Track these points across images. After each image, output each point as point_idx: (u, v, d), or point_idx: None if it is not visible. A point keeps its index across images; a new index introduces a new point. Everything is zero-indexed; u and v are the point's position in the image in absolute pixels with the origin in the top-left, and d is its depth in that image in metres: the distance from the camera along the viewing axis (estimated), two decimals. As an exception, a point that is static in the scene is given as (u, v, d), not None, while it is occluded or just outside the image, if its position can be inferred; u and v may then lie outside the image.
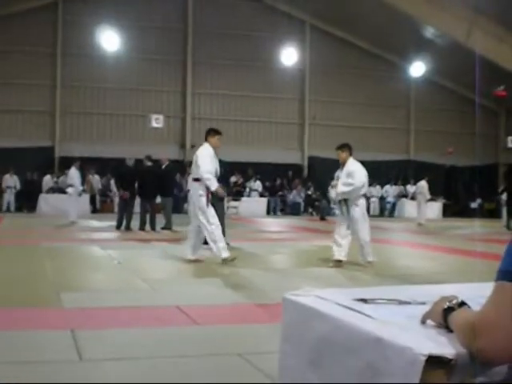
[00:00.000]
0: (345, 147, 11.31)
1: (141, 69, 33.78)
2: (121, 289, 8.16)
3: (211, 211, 10.55)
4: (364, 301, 2.14)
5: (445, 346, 1.62)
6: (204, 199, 10.52)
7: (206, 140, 11.14)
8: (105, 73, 32.88)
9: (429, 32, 33.40)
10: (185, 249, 11.20)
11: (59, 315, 6.44)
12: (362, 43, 36.88)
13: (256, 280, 9.22)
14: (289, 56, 33.66)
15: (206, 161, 10.70)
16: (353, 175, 10.88)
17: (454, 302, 1.77)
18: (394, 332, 1.74)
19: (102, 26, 31.38)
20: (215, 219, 10.54)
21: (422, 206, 26.03)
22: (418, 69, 34.81)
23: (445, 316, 1.76)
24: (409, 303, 2.15)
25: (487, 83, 33.79)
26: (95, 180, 30.87)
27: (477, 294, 1.98)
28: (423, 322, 1.87)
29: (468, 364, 1.59)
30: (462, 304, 1.76)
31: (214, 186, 10.64)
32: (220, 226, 10.66)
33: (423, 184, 25.95)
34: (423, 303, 2.11)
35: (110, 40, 31.83)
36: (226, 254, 10.44)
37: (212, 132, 11.34)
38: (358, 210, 10.78)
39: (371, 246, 10.91)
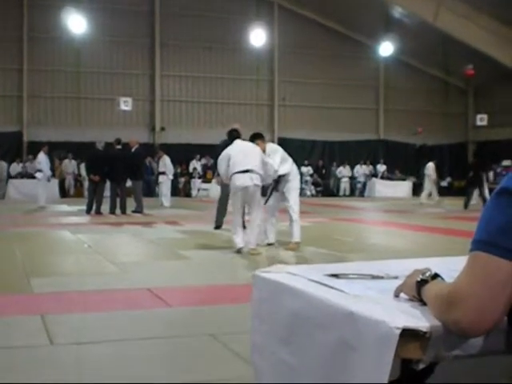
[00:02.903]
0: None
1: (109, 52, 33.43)
2: (91, 272, 8.07)
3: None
4: (336, 276, 2.10)
5: (419, 319, 1.59)
6: None
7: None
8: (72, 56, 32.49)
9: (397, 12, 33.45)
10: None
11: (29, 300, 6.36)
12: (330, 23, 36.79)
13: (228, 261, 9.20)
14: (257, 37, 33.45)
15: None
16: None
17: (428, 274, 1.73)
18: (367, 306, 1.70)
19: (69, 9, 30.88)
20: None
21: (427, 187, 26.31)
22: (386, 49, 34.79)
23: (418, 289, 1.72)
24: (381, 278, 2.11)
25: (455, 62, 34.00)
26: (71, 165, 30.67)
27: (448, 267, 1.96)
28: (396, 295, 1.83)
29: (443, 337, 1.56)
30: (436, 276, 1.72)
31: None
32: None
33: (431, 165, 26.23)
34: (396, 277, 2.08)
35: (77, 23, 31.33)
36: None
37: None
38: None
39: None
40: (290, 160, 10.83)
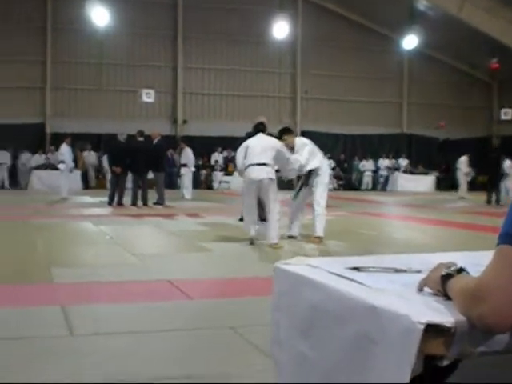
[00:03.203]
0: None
1: (131, 44, 33.50)
2: (112, 264, 8.08)
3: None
4: (357, 269, 2.05)
5: (443, 314, 1.53)
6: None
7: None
8: (95, 48, 32.61)
9: (421, 4, 33.20)
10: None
11: (50, 291, 6.37)
12: (354, 16, 36.62)
13: (248, 254, 9.17)
14: (281, 29, 33.36)
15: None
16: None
17: (453, 268, 1.67)
18: (390, 300, 1.65)
19: (93, 1, 30.96)
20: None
21: (461, 181, 26.06)
22: (410, 42, 34.51)
23: (443, 283, 1.66)
24: (404, 271, 2.06)
25: (480, 56, 33.70)
26: (91, 156, 30.79)
27: (472, 261, 1.90)
28: (420, 289, 1.77)
29: (468, 332, 1.50)
30: (461, 270, 1.67)
31: None
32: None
33: (463, 160, 25.98)
34: (419, 271, 2.03)
35: (100, 15, 31.39)
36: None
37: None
38: None
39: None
40: (319, 154, 10.76)
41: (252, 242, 9.91)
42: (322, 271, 2.04)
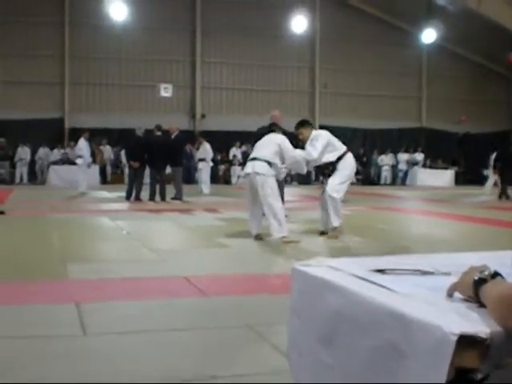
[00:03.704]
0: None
1: (150, 38, 33.43)
2: (128, 259, 8.00)
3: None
4: (382, 271, 1.93)
5: (477, 324, 1.41)
6: None
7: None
8: (113, 43, 32.64)
9: (440, -2, 32.93)
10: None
11: (64, 287, 6.28)
12: (372, 10, 36.41)
13: (266, 250, 9.06)
14: (299, 24, 33.29)
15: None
16: None
17: (487, 272, 1.54)
18: (419, 307, 1.52)
19: (110, -5, 31.04)
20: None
21: (490, 177, 25.49)
22: (429, 36, 34.27)
23: (476, 289, 1.53)
24: (431, 273, 1.93)
25: (499, 49, 33.35)
26: (106, 151, 30.78)
27: (502, 262, 1.78)
28: (449, 295, 1.64)
29: (504, 344, 1.37)
30: (496, 275, 1.54)
31: None
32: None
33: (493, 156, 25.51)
34: (447, 273, 1.90)
35: (118, 9, 31.44)
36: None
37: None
38: None
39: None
40: (340, 149, 10.41)
41: (258, 237, 9.79)
42: (345, 274, 1.92)
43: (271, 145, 9.79)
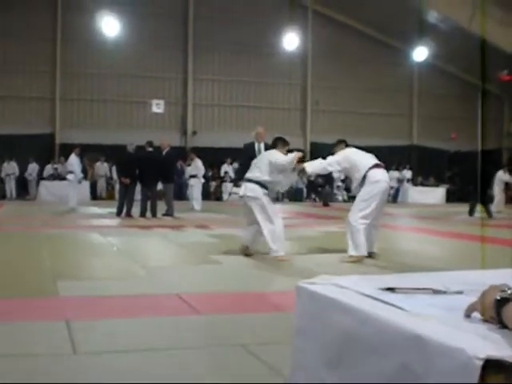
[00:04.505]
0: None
1: (142, 55, 33.44)
2: (119, 277, 7.88)
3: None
4: (391, 290, 1.83)
5: (502, 347, 1.30)
6: None
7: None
8: (105, 59, 32.59)
9: (432, 16, 33.08)
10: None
11: (54, 305, 6.15)
12: (364, 28, 36.54)
13: (259, 267, 8.95)
14: (291, 41, 33.38)
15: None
16: None
17: (509, 291, 1.44)
18: (437, 329, 1.41)
19: (102, 12, 31.01)
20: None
21: (498, 194, 25.22)
22: (420, 54, 34.44)
23: (497, 309, 1.43)
24: (444, 292, 1.83)
25: (491, 68, 33.42)
26: (103, 167, 30.70)
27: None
28: (467, 315, 1.55)
29: (532, 368, 1.28)
30: (519, 294, 1.44)
31: None
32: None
33: (501, 174, 25.26)
34: (460, 292, 1.81)
35: (110, 26, 31.48)
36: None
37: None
38: None
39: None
40: (361, 166, 9.84)
41: (247, 251, 9.82)
42: (352, 292, 1.81)
43: (263, 164, 9.73)
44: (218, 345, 4.71)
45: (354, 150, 10.55)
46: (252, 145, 12.63)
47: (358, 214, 9.44)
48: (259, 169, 9.69)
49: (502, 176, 25.06)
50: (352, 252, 9.35)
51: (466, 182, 23.09)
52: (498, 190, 24.89)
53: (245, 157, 12.43)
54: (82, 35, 32.09)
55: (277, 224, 9.55)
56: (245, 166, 12.18)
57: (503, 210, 24.14)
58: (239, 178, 13.35)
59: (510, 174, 25.40)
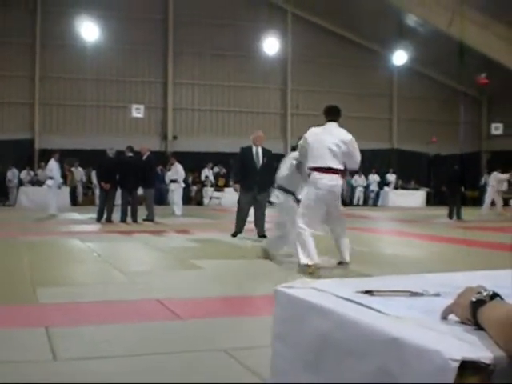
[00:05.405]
0: None
1: (121, 59, 33.36)
2: (99, 282, 7.85)
3: None
4: (369, 293, 1.83)
5: (479, 348, 1.30)
6: None
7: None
8: (85, 64, 32.45)
9: (411, 20, 33.22)
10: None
11: (34, 312, 6.12)
12: (343, 32, 36.65)
13: (239, 271, 8.94)
14: (271, 45, 33.40)
15: None
16: None
17: (485, 293, 1.44)
18: (414, 331, 1.42)
19: (82, 17, 30.90)
20: None
21: (496, 197, 25.14)
22: (400, 57, 34.58)
23: (473, 311, 1.44)
24: (421, 295, 1.84)
25: (469, 71, 33.63)
26: (79, 172, 30.53)
27: (495, 283, 1.68)
28: (444, 317, 1.55)
29: (508, 370, 1.28)
30: (495, 296, 1.44)
31: None
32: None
33: (494, 175, 25.18)
34: (437, 294, 1.82)
35: (89, 30, 31.38)
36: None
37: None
38: None
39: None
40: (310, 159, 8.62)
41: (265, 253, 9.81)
42: (330, 295, 1.81)
43: (283, 167, 9.76)
44: (199, 350, 4.71)
45: (328, 128, 8.75)
46: (249, 148, 12.71)
47: (301, 220, 8.44)
48: (280, 173, 9.75)
49: (499, 176, 25.06)
50: (304, 260, 8.27)
51: (444, 184, 23.14)
52: (491, 192, 24.93)
53: (241, 160, 12.52)
54: (61, 40, 31.96)
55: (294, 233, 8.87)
56: (242, 169, 12.31)
57: (503, 213, 24.12)
58: (236, 181, 13.42)
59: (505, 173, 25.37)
